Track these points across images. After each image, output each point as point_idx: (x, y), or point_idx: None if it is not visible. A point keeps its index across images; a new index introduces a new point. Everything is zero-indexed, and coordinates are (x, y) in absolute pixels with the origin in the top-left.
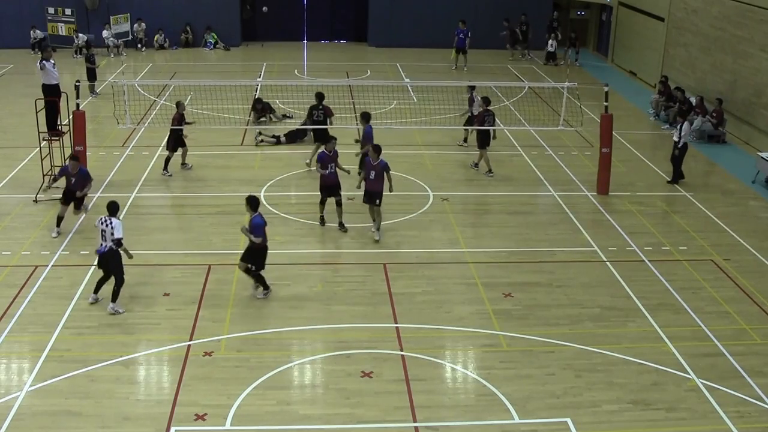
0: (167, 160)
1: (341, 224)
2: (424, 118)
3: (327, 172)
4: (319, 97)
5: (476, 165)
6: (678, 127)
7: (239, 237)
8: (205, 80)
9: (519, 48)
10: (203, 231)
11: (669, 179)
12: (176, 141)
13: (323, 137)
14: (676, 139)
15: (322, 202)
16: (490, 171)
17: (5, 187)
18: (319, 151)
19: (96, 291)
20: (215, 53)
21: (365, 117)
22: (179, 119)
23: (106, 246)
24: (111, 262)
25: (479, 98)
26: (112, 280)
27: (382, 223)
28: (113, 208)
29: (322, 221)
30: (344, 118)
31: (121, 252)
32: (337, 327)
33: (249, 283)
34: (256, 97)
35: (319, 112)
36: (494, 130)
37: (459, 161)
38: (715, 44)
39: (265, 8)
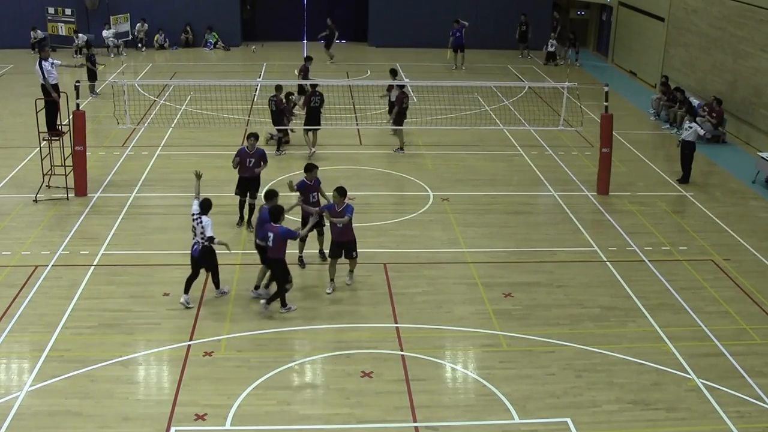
0: (279, 140)
1: (322, 251)
2: (424, 118)
3: (311, 203)
4: (313, 85)
5: (401, 149)
6: (693, 127)
7: (239, 237)
8: (205, 80)
9: (327, 52)
10: None
11: (679, 178)
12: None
13: (316, 122)
14: (691, 139)
15: (321, 233)
16: (401, 148)
17: (5, 187)
18: (300, 180)
19: (186, 291)
20: (215, 53)
21: (254, 136)
22: (280, 103)
23: (198, 243)
24: (205, 259)
25: (397, 84)
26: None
27: (382, 223)
28: (205, 206)
29: (300, 261)
30: (345, 118)
31: (218, 245)
32: (337, 327)
33: (249, 283)
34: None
35: (316, 98)
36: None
37: (459, 161)
38: (715, 44)
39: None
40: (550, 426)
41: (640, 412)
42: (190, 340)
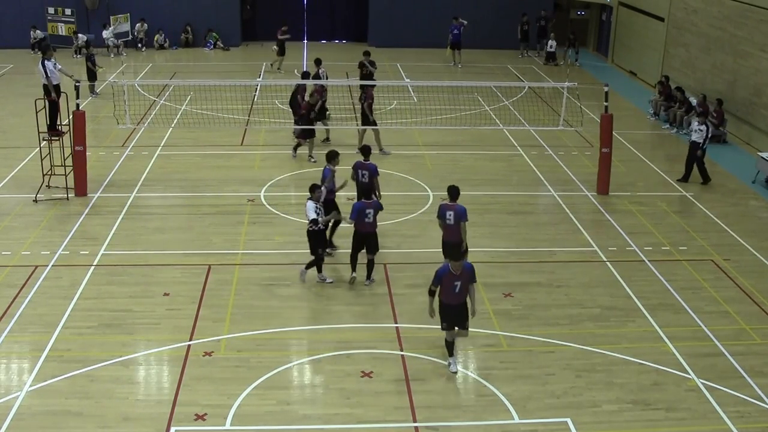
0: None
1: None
2: (424, 118)
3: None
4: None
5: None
6: (705, 128)
7: (239, 237)
8: (205, 80)
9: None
10: (203, 231)
11: (679, 178)
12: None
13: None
14: (698, 140)
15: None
16: (311, 156)
17: (5, 187)
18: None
19: (307, 267)
20: (215, 53)
21: (337, 153)
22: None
23: (309, 227)
24: (310, 241)
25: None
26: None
27: (382, 223)
28: (310, 189)
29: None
30: (345, 118)
31: (322, 226)
32: (337, 327)
33: (249, 282)
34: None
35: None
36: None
37: (459, 161)
38: (715, 44)
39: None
40: (550, 426)
41: (640, 412)
42: (190, 340)
